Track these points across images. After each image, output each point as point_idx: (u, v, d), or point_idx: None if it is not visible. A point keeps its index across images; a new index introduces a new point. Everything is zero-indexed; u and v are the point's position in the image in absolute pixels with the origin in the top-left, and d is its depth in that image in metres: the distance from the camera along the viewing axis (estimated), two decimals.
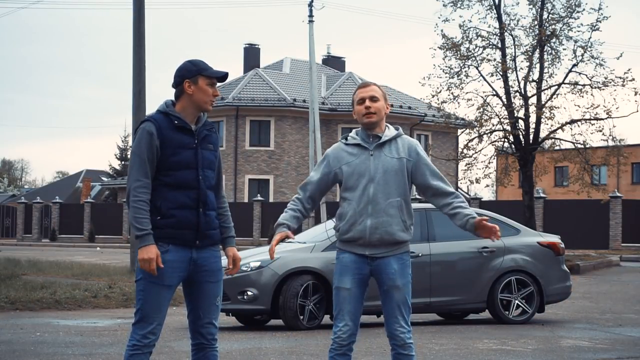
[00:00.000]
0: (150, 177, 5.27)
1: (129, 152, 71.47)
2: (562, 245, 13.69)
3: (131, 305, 14.69)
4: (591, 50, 28.44)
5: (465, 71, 28.96)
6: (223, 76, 5.40)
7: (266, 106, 54.63)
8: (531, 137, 28.89)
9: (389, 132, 5.76)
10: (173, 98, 5.46)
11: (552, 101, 28.90)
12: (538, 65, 28.82)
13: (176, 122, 5.33)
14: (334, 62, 65.91)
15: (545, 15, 28.92)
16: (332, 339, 5.70)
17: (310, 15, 39.97)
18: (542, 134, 29.10)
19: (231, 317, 13.11)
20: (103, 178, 72.79)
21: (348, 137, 5.80)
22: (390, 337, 5.68)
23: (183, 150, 5.31)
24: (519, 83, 28.96)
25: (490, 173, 30.05)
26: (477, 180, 30.17)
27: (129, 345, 5.33)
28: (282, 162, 55.08)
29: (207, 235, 5.39)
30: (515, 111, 28.65)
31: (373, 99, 5.71)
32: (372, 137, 5.73)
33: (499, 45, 28.97)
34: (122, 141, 73.90)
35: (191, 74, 5.35)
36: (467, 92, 29.16)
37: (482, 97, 29.08)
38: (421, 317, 13.90)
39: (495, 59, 29.02)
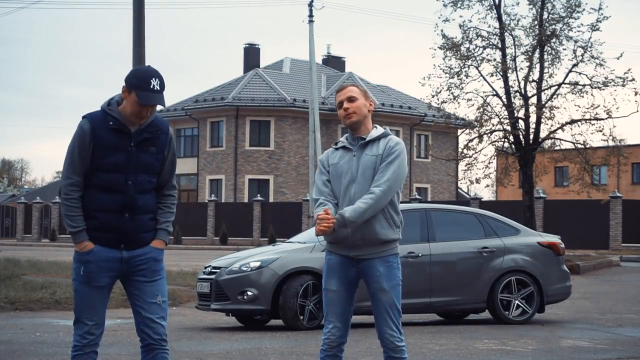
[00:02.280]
0: (81, 175, 5.17)
1: None
2: (562, 246, 13.69)
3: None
4: (591, 50, 28.44)
5: (465, 71, 28.95)
6: (152, 104, 5.12)
7: (266, 106, 54.65)
8: (531, 137, 28.88)
9: (375, 131, 5.71)
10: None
11: (552, 101, 28.89)
12: (538, 65, 28.81)
13: (111, 123, 5.17)
14: (334, 62, 65.97)
15: (545, 15, 28.90)
16: (323, 339, 5.70)
17: (310, 15, 40.00)
18: (542, 134, 29.10)
19: (231, 317, 13.11)
20: None
21: (338, 142, 5.80)
22: (381, 340, 5.66)
23: (115, 153, 5.17)
24: (519, 83, 28.95)
25: (490, 173, 30.04)
26: (477, 180, 30.17)
27: (72, 347, 5.32)
28: (282, 162, 55.09)
29: (135, 239, 5.26)
30: (515, 111, 28.64)
31: (350, 99, 5.68)
32: (358, 138, 5.70)
33: (499, 45, 28.95)
34: None
35: (128, 83, 5.16)
36: (467, 92, 29.16)
37: (482, 97, 29.08)
38: (421, 317, 13.90)
39: (495, 59, 29.02)
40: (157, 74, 5.17)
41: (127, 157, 5.19)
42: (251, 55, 64.26)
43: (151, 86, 5.11)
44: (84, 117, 5.23)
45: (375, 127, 5.75)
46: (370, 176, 5.56)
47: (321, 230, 5.43)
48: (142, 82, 5.12)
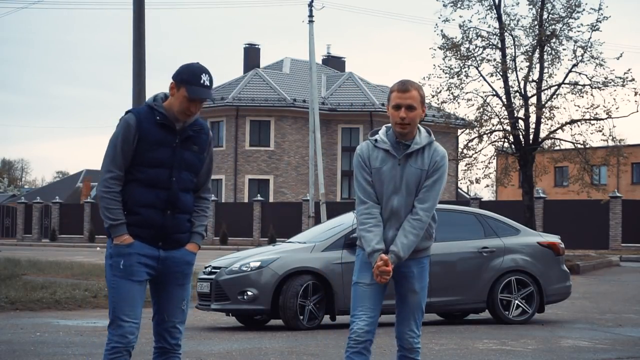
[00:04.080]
0: (123, 169, 5.13)
1: None
2: (562, 245, 13.69)
3: None
4: (591, 50, 28.44)
5: (465, 71, 28.94)
6: (202, 99, 5.13)
7: (266, 106, 54.66)
8: (531, 137, 28.88)
9: (420, 138, 5.47)
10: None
11: (552, 101, 28.90)
12: (538, 66, 28.81)
13: (158, 117, 5.15)
14: (334, 62, 65.95)
15: (545, 16, 28.90)
16: (349, 337, 5.45)
17: (310, 15, 39.96)
18: (542, 134, 29.10)
19: (231, 317, 13.11)
20: None
21: (377, 139, 5.50)
22: (399, 339, 5.56)
23: (161, 148, 5.14)
24: (519, 83, 28.95)
25: (490, 173, 30.04)
26: (477, 180, 30.17)
27: (107, 349, 5.12)
28: (282, 162, 55.09)
29: (173, 239, 5.21)
30: (515, 111, 28.64)
31: (410, 107, 5.40)
32: (402, 145, 5.46)
33: (499, 45, 28.95)
34: None
35: (177, 78, 5.15)
36: (467, 92, 29.16)
37: (482, 97, 29.08)
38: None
39: (495, 59, 29.02)
40: (207, 70, 5.19)
41: (171, 153, 5.16)
42: (251, 55, 64.26)
43: (201, 81, 5.13)
44: (129, 111, 5.20)
45: (419, 130, 5.51)
46: (414, 190, 5.44)
47: (382, 281, 5.41)
48: (193, 77, 5.12)
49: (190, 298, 5.40)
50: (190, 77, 5.12)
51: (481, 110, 28.85)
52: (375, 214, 5.44)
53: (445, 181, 5.53)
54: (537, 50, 28.69)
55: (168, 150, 5.16)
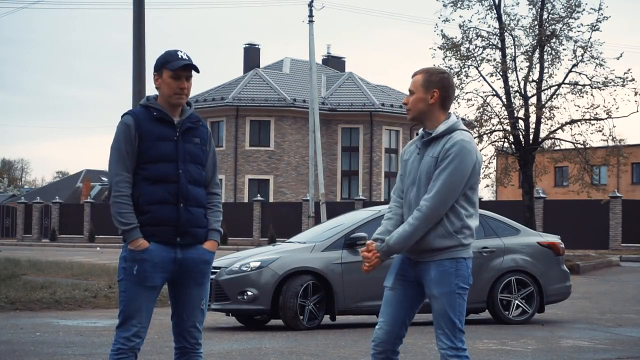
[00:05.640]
0: (130, 171, 5.11)
1: None
2: (562, 245, 13.69)
3: None
4: (591, 50, 28.47)
5: (465, 71, 28.95)
6: (184, 67, 5.13)
7: (266, 106, 54.67)
8: (531, 137, 28.90)
9: (442, 126, 5.08)
10: None
11: (552, 101, 28.92)
12: (538, 66, 28.83)
13: (155, 113, 5.16)
14: (334, 62, 65.97)
15: (545, 16, 28.93)
16: (371, 340, 5.31)
17: (310, 15, 39.97)
18: (542, 134, 29.12)
19: (231, 317, 13.11)
20: (103, 178, 72.71)
21: (419, 133, 5.29)
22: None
23: (162, 143, 5.13)
24: (519, 83, 28.98)
25: (490, 173, 30.06)
26: None
27: (113, 350, 5.15)
28: (282, 162, 55.09)
29: (190, 233, 5.14)
30: (515, 111, 28.66)
31: (410, 92, 5.15)
32: (427, 134, 5.15)
33: (499, 45, 28.97)
34: None
35: (157, 67, 5.22)
36: (467, 92, 29.18)
37: (482, 97, 29.10)
38: (421, 317, 13.87)
39: (495, 59, 29.04)
40: (181, 50, 5.25)
41: (174, 147, 5.15)
42: (251, 55, 64.27)
43: (179, 56, 5.19)
44: (125, 113, 5.21)
45: (449, 116, 5.13)
46: (426, 182, 5.05)
47: (366, 271, 5.12)
48: (169, 56, 5.20)
49: (207, 297, 5.34)
50: (167, 58, 5.21)
51: (481, 110, 28.87)
52: (392, 208, 5.25)
53: (462, 173, 4.99)
54: (537, 50, 28.71)
55: (170, 144, 5.16)
